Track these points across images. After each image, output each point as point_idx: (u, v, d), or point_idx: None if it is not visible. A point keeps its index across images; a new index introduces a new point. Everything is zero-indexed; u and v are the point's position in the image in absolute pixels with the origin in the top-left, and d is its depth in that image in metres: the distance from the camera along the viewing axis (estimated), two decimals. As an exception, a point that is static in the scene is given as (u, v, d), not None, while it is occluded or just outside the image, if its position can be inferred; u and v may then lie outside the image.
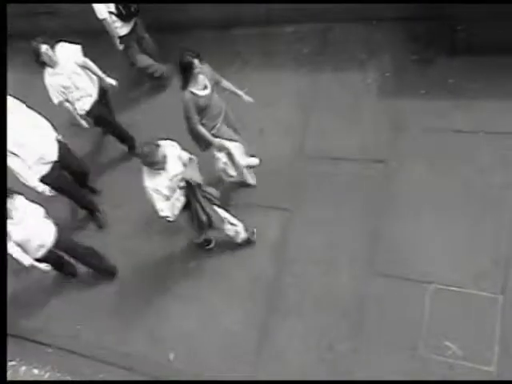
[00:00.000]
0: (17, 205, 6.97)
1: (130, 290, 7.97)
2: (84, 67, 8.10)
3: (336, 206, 7.27)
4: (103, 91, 8.44)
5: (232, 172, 7.52)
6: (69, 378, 7.80)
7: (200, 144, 7.15)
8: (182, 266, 7.78)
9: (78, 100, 8.19)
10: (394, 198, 7.11)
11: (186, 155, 6.74)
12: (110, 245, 8.23)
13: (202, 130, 6.96)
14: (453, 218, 6.69)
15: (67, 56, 7.91)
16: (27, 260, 7.17)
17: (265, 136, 8.13)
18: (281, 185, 7.73)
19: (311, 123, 7.88)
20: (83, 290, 8.27)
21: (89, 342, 7.88)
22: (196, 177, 6.62)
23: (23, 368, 8.09)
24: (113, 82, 8.32)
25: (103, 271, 8.11)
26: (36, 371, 8.03)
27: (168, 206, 6.51)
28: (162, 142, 6.44)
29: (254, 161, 7.89)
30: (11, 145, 7.40)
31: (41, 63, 7.82)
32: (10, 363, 7.79)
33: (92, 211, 8.69)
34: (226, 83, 7.30)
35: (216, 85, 7.11)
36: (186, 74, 6.71)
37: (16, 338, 8.03)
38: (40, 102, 9.93)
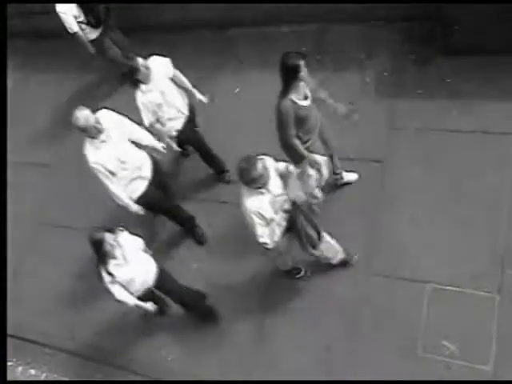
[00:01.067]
0: (121, 242, 6.34)
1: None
2: (174, 81, 7.43)
3: (333, 206, 7.22)
4: (192, 108, 7.68)
5: (319, 193, 6.58)
6: (66, 379, 7.79)
7: (292, 158, 6.40)
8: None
9: (170, 119, 7.40)
10: (392, 198, 7.10)
11: (282, 166, 5.94)
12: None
13: (298, 144, 6.29)
14: (450, 218, 6.69)
15: (159, 70, 7.22)
16: (132, 300, 6.54)
17: (261, 136, 7.80)
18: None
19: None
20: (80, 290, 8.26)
21: (85, 343, 7.87)
22: (300, 194, 5.81)
23: (20, 368, 8.11)
24: (203, 98, 7.69)
25: (202, 317, 7.33)
26: (33, 371, 8.05)
27: (268, 231, 5.82)
28: (261, 156, 5.69)
29: (354, 176, 7.38)
30: (110, 163, 6.78)
31: (135, 81, 7.13)
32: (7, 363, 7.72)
33: (190, 226, 7.89)
34: (321, 93, 6.59)
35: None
36: (289, 78, 6.00)
37: (13, 338, 8.03)
38: (39, 103, 10.16)
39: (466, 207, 6.69)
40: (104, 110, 6.94)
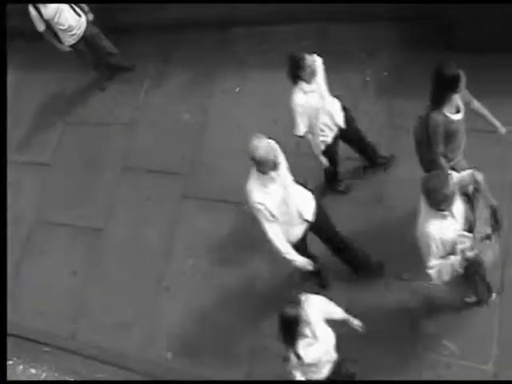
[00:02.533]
0: (310, 315, 4.94)
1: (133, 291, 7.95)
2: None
3: (334, 204, 7.14)
4: (347, 119, 6.66)
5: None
6: (66, 378, 7.80)
7: None
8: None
9: (322, 130, 6.45)
10: (393, 197, 7.07)
11: (467, 177, 5.08)
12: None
13: (443, 162, 5.66)
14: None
15: (321, 71, 6.31)
16: None
17: (262, 135, 8.00)
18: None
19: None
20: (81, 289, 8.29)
21: (86, 342, 7.89)
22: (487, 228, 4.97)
23: (20, 367, 8.11)
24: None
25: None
26: (33, 371, 8.05)
27: (442, 265, 5.03)
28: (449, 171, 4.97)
29: None
30: (275, 206, 5.59)
31: (296, 77, 6.10)
32: (7, 362, 7.68)
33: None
34: (476, 104, 5.88)
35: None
36: (446, 90, 5.36)
37: (13, 337, 8.03)
38: (39, 102, 10.12)
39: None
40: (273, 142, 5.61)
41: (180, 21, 9.42)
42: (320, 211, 6.09)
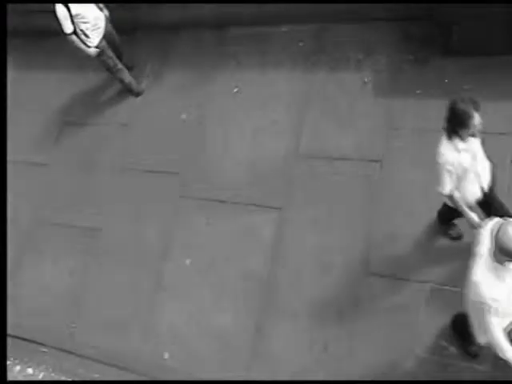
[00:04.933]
0: None
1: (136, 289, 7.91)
2: None
3: (331, 206, 7.22)
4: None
5: None
6: (63, 378, 7.76)
7: None
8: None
9: (469, 191, 5.75)
10: (389, 198, 7.05)
11: None
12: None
13: None
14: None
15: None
16: None
17: (260, 135, 8.06)
18: (276, 184, 7.67)
19: (306, 123, 7.80)
20: (79, 289, 8.27)
21: (84, 342, 7.87)
22: None
23: (17, 367, 8.07)
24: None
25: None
26: (30, 371, 8.01)
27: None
28: None
29: None
30: (508, 298, 4.66)
31: (453, 132, 5.37)
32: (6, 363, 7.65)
33: None
34: None
35: None
36: None
37: (10, 337, 7.97)
38: (38, 102, 10.15)
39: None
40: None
41: (178, 21, 9.40)
42: None
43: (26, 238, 9.10)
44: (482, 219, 5.57)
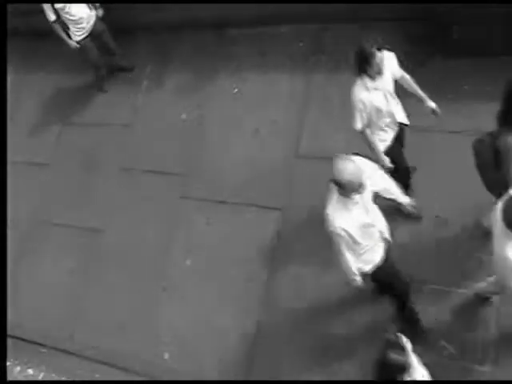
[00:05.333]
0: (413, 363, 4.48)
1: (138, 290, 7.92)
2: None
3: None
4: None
5: None
6: (64, 378, 7.79)
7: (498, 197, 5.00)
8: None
9: (383, 130, 6.13)
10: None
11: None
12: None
13: None
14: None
15: (389, 68, 5.93)
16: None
17: (260, 136, 8.08)
18: (275, 185, 7.69)
19: (306, 123, 7.82)
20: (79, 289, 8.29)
21: (83, 342, 7.89)
22: None
23: (18, 368, 8.10)
24: (434, 105, 6.28)
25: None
26: (30, 371, 8.04)
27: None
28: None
29: None
30: (356, 231, 5.19)
31: (362, 71, 5.83)
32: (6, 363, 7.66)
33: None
34: None
35: None
36: None
37: (10, 338, 8.01)
38: (38, 103, 10.21)
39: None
40: (362, 162, 5.27)
41: (178, 22, 9.41)
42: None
43: (26, 239, 9.14)
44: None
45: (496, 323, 6.01)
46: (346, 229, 5.11)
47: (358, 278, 5.52)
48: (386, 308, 6.27)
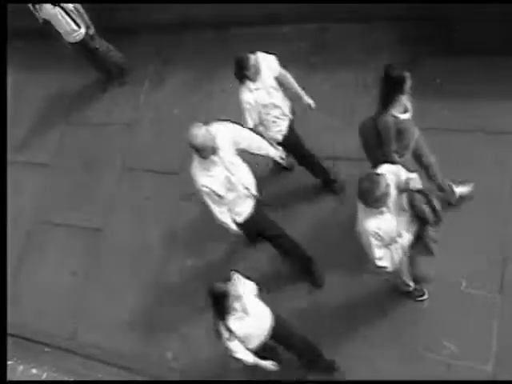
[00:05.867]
0: (240, 292, 5.43)
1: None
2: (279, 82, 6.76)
3: (333, 206, 7.25)
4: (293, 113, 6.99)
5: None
6: (66, 378, 7.83)
7: None
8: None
9: (275, 122, 6.76)
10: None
11: (404, 175, 5.35)
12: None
13: (396, 159, 5.82)
14: (450, 218, 6.56)
15: (267, 67, 6.60)
16: (251, 358, 5.76)
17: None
18: (276, 185, 7.70)
19: (307, 123, 7.75)
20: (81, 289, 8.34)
21: (86, 342, 7.92)
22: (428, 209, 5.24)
23: (21, 367, 8.14)
24: (311, 102, 6.98)
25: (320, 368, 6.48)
26: (34, 371, 8.09)
27: (388, 254, 5.34)
28: (382, 170, 5.17)
29: (467, 189, 6.69)
30: (219, 187, 6.02)
31: (242, 77, 6.49)
32: (7, 362, 7.62)
33: (307, 263, 7.01)
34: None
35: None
36: (393, 92, 5.59)
37: (14, 338, 8.09)
38: (39, 103, 10.25)
39: (464, 206, 6.66)
40: (219, 126, 6.16)
41: (180, 22, 9.42)
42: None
43: (27, 238, 9.18)
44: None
45: (498, 322, 6.05)
46: (209, 186, 6.01)
47: (234, 227, 6.35)
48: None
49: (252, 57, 6.38)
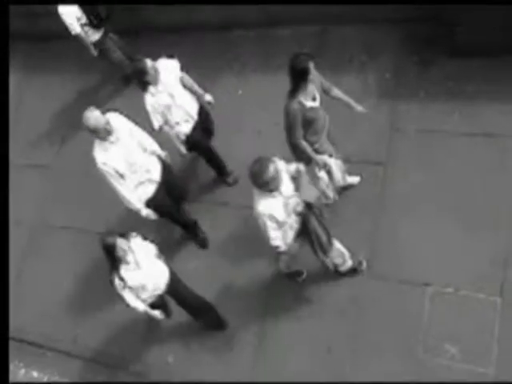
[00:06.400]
0: (133, 247, 6.29)
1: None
2: (183, 84, 7.39)
3: (334, 209, 7.07)
4: (202, 111, 7.64)
5: (330, 193, 6.38)
6: (68, 381, 7.86)
7: (301, 160, 6.32)
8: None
9: (178, 123, 7.35)
10: (392, 200, 7.11)
11: (293, 167, 5.93)
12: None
13: (305, 145, 6.34)
14: (451, 220, 6.70)
15: (167, 72, 7.17)
16: (142, 307, 6.52)
17: (262, 138, 8.10)
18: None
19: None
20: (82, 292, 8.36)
21: (88, 345, 7.93)
22: (313, 195, 5.86)
23: (22, 371, 8.17)
24: (210, 98, 7.65)
25: (210, 326, 7.31)
26: (35, 374, 8.12)
27: (281, 234, 5.86)
28: (273, 157, 5.62)
29: (356, 179, 7.33)
30: (119, 165, 6.73)
31: (143, 84, 7.08)
32: (9, 365, 7.61)
33: (193, 231, 7.89)
34: (336, 92, 6.63)
35: (324, 93, 6.47)
36: (298, 80, 6.00)
37: (15, 341, 8.11)
38: (40, 105, 10.23)
39: (467, 209, 6.69)
40: (114, 113, 6.93)
41: (182, 23, 9.43)
42: (169, 170, 7.39)
43: (29, 241, 9.21)
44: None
45: (499, 325, 6.08)
46: (109, 163, 6.66)
47: (142, 208, 7.06)
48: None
49: (148, 62, 6.93)
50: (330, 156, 6.61)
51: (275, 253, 6.19)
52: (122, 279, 6.25)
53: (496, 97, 7.16)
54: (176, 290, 6.70)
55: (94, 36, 9.02)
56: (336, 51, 8.36)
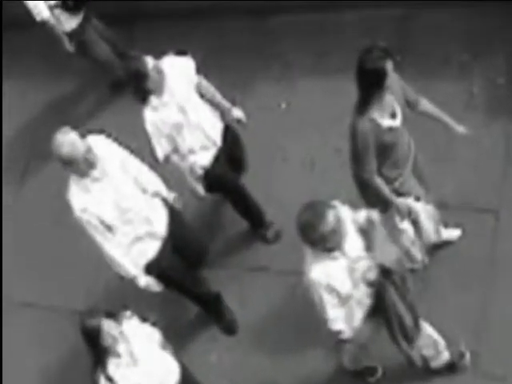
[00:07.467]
0: (127, 333, 5.32)
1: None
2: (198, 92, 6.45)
3: (422, 276, 6.37)
4: (227, 133, 6.65)
5: (418, 254, 5.89)
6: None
7: (372, 204, 5.53)
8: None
9: (193, 151, 6.37)
10: (508, 262, 6.36)
11: (363, 216, 5.12)
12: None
13: (381, 183, 5.48)
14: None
15: (177, 75, 6.20)
16: None
17: (316, 172, 7.45)
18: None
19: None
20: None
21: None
22: (392, 256, 5.03)
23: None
24: (240, 114, 6.64)
25: None
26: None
27: (344, 313, 5.06)
28: (333, 201, 4.88)
29: (455, 233, 6.40)
30: (106, 212, 5.69)
31: (142, 92, 6.10)
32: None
33: (215, 308, 6.83)
34: (426, 105, 5.73)
35: (409, 108, 5.61)
36: (370, 88, 5.18)
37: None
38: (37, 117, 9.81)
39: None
40: (98, 136, 5.94)
41: (197, 5, 8.73)
42: (179, 219, 6.40)
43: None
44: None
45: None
46: (90, 210, 5.59)
47: (140, 275, 6.00)
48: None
49: (149, 60, 5.94)
50: (418, 199, 5.80)
51: (336, 341, 5.41)
52: (110, 380, 5.26)
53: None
54: None
55: (70, 23, 8.39)
56: (421, 46, 7.68)
